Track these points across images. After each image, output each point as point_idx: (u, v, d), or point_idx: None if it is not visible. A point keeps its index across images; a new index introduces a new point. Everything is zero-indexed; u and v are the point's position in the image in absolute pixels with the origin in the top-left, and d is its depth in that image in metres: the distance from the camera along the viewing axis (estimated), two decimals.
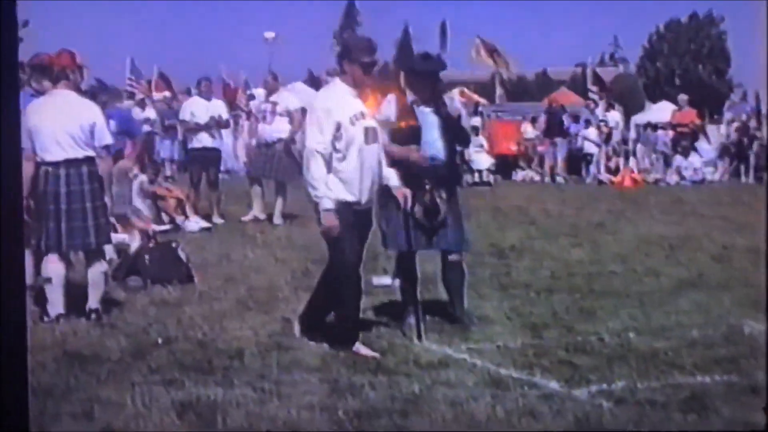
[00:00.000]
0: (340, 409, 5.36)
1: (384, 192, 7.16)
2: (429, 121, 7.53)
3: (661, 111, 31.17)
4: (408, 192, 7.05)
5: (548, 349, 6.83)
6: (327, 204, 6.61)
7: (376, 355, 6.59)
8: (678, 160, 25.79)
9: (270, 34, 53.17)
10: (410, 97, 7.62)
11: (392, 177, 7.05)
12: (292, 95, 15.82)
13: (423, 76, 7.64)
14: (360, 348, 6.66)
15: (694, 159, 25.75)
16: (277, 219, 14.57)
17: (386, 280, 8.47)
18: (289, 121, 14.67)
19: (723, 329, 7.50)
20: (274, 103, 14.92)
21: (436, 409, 5.40)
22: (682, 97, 28.72)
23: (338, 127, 6.62)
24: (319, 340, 6.84)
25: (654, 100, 39.47)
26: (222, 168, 17.31)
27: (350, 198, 6.71)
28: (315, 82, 37.24)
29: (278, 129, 14.67)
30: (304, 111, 15.08)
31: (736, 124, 28.20)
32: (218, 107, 15.64)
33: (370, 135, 6.76)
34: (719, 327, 7.58)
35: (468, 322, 7.51)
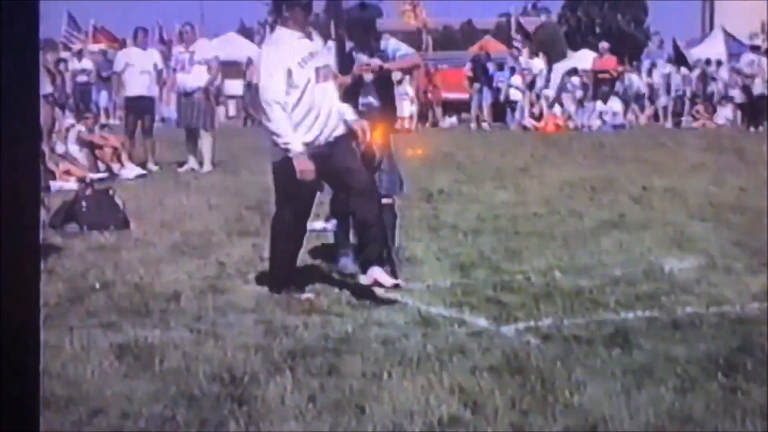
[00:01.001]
0: (275, 349, 5.31)
1: None
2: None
3: (581, 59, 31.29)
4: (366, 125, 6.72)
5: (476, 288, 6.82)
6: (297, 148, 6.39)
7: (311, 296, 6.52)
8: (599, 105, 25.93)
9: None
10: (348, 44, 7.50)
11: (348, 111, 6.76)
12: (209, 44, 15.78)
13: (361, 24, 7.52)
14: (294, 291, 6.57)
15: (614, 104, 25.90)
16: (207, 166, 14.43)
17: (320, 224, 8.44)
18: (207, 70, 14.55)
19: (643, 267, 7.57)
20: (192, 53, 14.73)
21: (369, 347, 5.37)
22: (603, 45, 28.85)
23: (289, 73, 6.42)
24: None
25: (575, 49, 39.57)
26: (157, 117, 17.17)
27: (307, 139, 6.48)
28: (247, 33, 36.95)
29: (197, 78, 14.51)
30: (218, 60, 15.17)
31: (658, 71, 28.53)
32: (154, 57, 15.50)
33: (321, 73, 6.55)
34: (640, 265, 7.64)
35: (398, 262, 7.49)
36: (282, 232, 6.80)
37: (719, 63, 28.73)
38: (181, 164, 14.69)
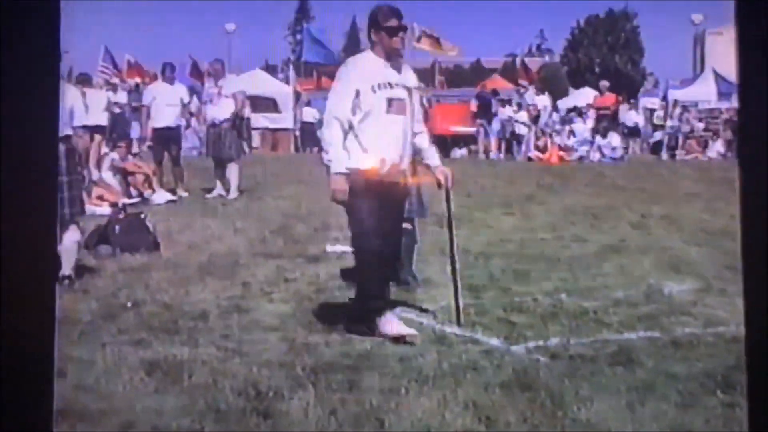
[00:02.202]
0: (298, 365, 5.24)
1: None
2: None
3: (582, 96, 31.29)
4: (449, 172, 6.33)
5: (487, 309, 6.75)
6: (337, 167, 5.94)
7: (412, 331, 5.90)
8: (598, 139, 25.88)
9: (231, 26, 52.72)
10: None
11: (433, 157, 6.34)
12: (236, 79, 15.82)
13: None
14: (385, 325, 5.91)
15: (614, 139, 25.84)
16: (233, 193, 14.41)
17: (340, 247, 8.39)
18: (233, 103, 14.57)
19: (644, 289, 7.49)
20: (220, 87, 14.76)
21: (387, 364, 5.30)
22: (604, 84, 28.88)
23: (357, 94, 5.97)
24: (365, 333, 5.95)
25: (576, 87, 39.59)
26: (189, 145, 17.24)
27: (368, 165, 5.99)
28: (271, 70, 37.05)
29: (224, 110, 14.53)
30: (244, 93, 15.19)
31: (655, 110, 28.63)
32: (180, 91, 15.55)
33: (394, 106, 6.03)
34: (640, 287, 7.56)
35: (414, 284, 7.41)
36: (373, 257, 6.09)
37: (714, 108, 28.85)
38: (209, 191, 14.67)
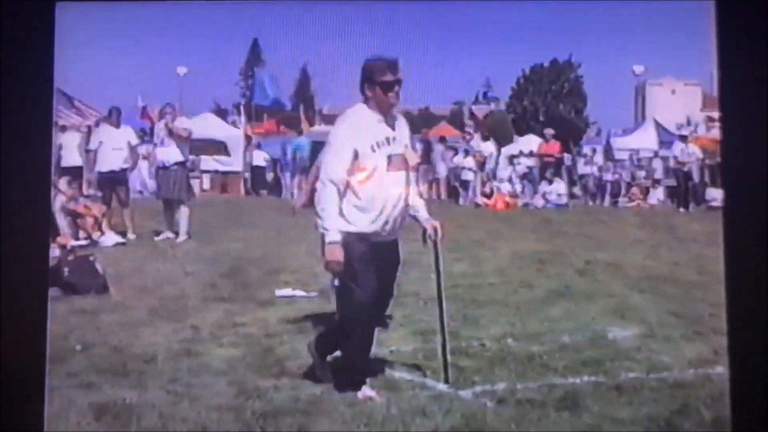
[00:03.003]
0: (247, 409, 5.21)
1: None
2: None
3: (527, 143, 31.59)
4: (438, 224, 6.03)
5: (436, 353, 6.74)
6: (331, 237, 5.58)
7: (382, 400, 5.62)
8: (544, 186, 26.15)
9: (182, 70, 52.62)
10: None
11: (421, 208, 6.01)
12: (186, 122, 15.74)
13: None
14: (366, 390, 5.68)
15: (558, 186, 26.13)
16: (182, 236, 14.28)
17: (289, 291, 8.35)
18: (181, 139, 14.52)
19: (589, 334, 7.53)
20: (170, 129, 14.68)
21: (336, 409, 5.28)
22: (549, 131, 29.11)
23: (356, 155, 5.63)
24: (327, 381, 5.83)
25: (521, 134, 40.01)
26: (139, 188, 17.12)
27: (368, 229, 5.74)
28: (221, 113, 36.98)
29: (174, 153, 14.46)
30: (190, 132, 15.10)
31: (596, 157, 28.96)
32: (127, 134, 15.49)
33: (393, 162, 5.74)
34: (586, 333, 7.60)
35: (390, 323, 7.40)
36: (362, 316, 5.79)
37: (656, 153, 29.22)
38: (158, 233, 14.54)
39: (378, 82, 5.68)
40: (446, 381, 5.99)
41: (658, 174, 27.43)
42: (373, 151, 5.68)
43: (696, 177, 25.12)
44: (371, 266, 5.73)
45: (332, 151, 5.70)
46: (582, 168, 28.78)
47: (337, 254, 5.60)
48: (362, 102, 5.79)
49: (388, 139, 5.75)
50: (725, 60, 3.18)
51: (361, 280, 5.67)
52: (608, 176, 28.13)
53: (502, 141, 34.08)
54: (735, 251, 3.16)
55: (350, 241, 5.65)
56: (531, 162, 27.80)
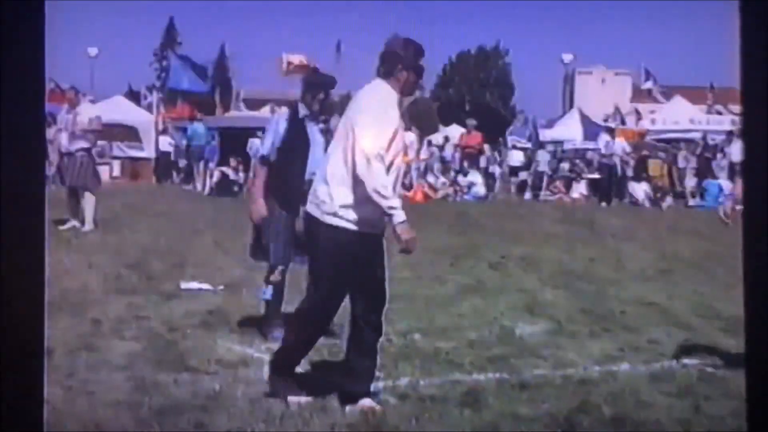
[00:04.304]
0: (145, 405, 5.26)
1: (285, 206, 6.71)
2: (316, 139, 7.16)
3: (451, 133, 31.90)
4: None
5: (340, 348, 6.84)
6: (401, 215, 5.18)
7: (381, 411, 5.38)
8: (460, 178, 26.47)
9: (93, 51, 51.65)
10: (303, 111, 7.19)
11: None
12: (92, 107, 15.58)
13: (318, 90, 7.16)
14: (365, 402, 5.42)
15: (475, 177, 26.46)
16: (88, 225, 14.15)
17: (195, 284, 8.40)
18: (88, 128, 14.35)
19: (497, 331, 7.71)
20: (75, 114, 14.50)
21: (235, 405, 5.36)
22: (471, 122, 29.44)
23: (395, 133, 5.23)
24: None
25: (446, 124, 40.32)
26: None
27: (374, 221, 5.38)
28: (134, 96, 36.51)
29: (80, 139, 14.28)
30: (100, 119, 14.90)
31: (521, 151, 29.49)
32: None
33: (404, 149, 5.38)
34: (494, 329, 7.77)
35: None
36: (316, 318, 5.58)
37: (579, 148, 29.75)
38: (62, 222, 14.39)
39: (413, 66, 5.43)
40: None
41: (582, 166, 27.92)
42: (402, 131, 5.34)
43: (620, 171, 25.64)
44: (359, 262, 5.53)
45: (373, 123, 5.20)
46: (505, 159, 29.22)
47: (412, 231, 5.25)
48: (381, 79, 5.44)
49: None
50: (748, 56, 3.28)
51: (345, 278, 5.53)
52: (531, 168, 28.55)
53: (426, 130, 34.28)
54: (755, 254, 3.28)
55: (351, 241, 5.41)
56: (451, 153, 28.09)
